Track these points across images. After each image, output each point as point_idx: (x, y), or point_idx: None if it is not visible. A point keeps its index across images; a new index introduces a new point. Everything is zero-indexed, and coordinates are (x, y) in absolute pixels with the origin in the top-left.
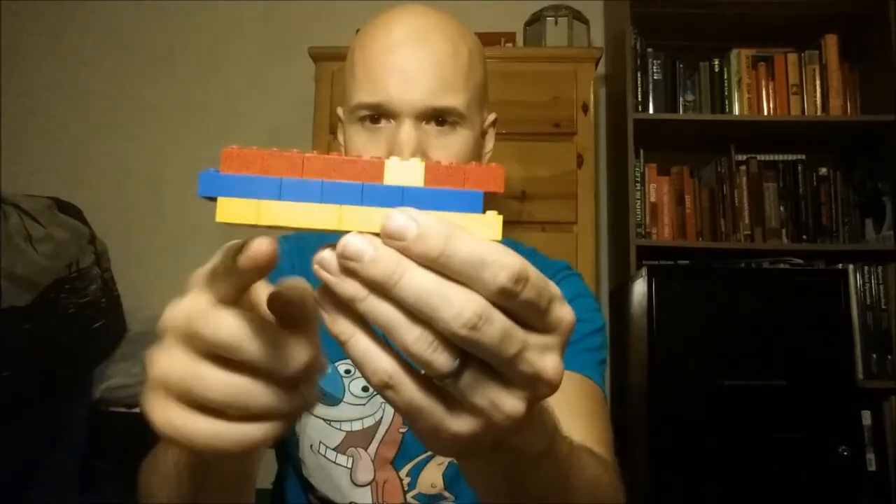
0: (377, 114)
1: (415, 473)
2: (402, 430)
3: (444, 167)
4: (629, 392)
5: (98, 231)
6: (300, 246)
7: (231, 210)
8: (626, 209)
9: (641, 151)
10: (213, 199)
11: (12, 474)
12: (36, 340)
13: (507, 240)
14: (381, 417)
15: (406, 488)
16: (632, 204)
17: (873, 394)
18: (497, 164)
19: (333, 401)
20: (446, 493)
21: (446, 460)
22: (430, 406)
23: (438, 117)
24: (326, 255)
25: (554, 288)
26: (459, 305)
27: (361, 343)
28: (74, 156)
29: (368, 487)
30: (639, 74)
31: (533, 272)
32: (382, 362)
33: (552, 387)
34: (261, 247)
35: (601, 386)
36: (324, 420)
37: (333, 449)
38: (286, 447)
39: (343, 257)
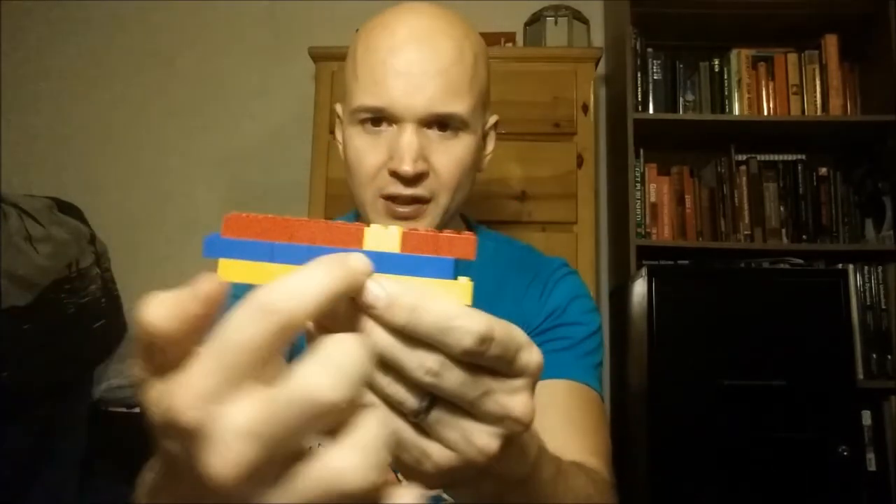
0: (378, 117)
1: None
2: None
3: (420, 235)
4: (629, 392)
5: (98, 231)
6: None
7: (230, 270)
8: (626, 209)
9: (641, 151)
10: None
11: (12, 474)
12: (36, 340)
13: (502, 236)
14: None
15: None
16: (632, 204)
17: (873, 394)
18: (470, 234)
19: None
20: (444, 494)
21: None
22: (412, 437)
23: (441, 123)
24: None
25: (521, 337)
26: (419, 359)
27: None
28: (75, 156)
29: None
30: (639, 74)
31: (498, 330)
32: (368, 397)
33: (523, 424)
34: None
35: (598, 389)
36: None
37: None
38: None
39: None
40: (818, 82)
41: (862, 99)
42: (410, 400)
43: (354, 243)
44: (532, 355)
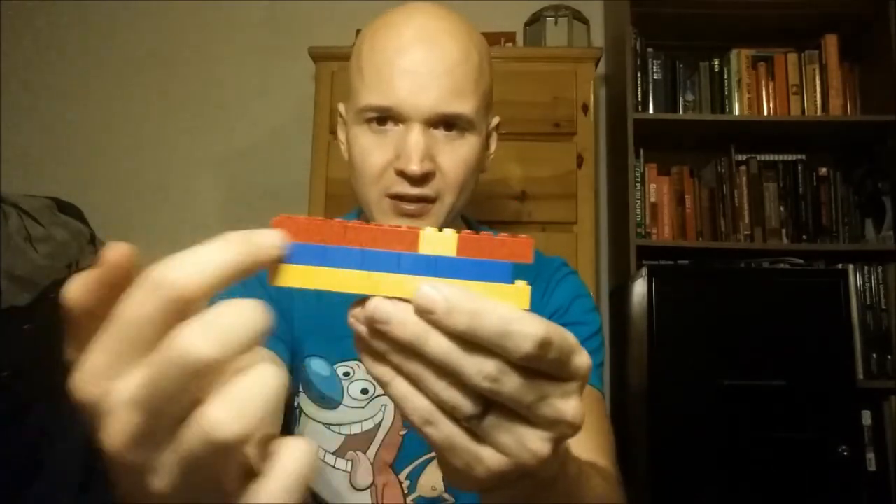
0: (385, 116)
1: (414, 476)
2: (402, 433)
3: (476, 238)
4: (629, 392)
5: (98, 231)
6: None
7: (281, 275)
8: (626, 209)
9: (641, 151)
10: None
11: (12, 474)
12: (36, 340)
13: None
14: (381, 420)
15: (406, 491)
16: (632, 204)
17: (873, 394)
18: (527, 237)
19: (332, 404)
20: (446, 496)
21: None
22: (465, 442)
23: (447, 123)
24: (359, 313)
25: (573, 340)
26: (478, 365)
27: (401, 386)
28: (75, 156)
29: (368, 491)
30: (639, 74)
31: (556, 334)
32: (421, 402)
33: (575, 427)
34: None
35: (600, 389)
36: (323, 424)
37: (333, 453)
38: None
39: (372, 320)
40: (818, 82)
41: (862, 99)
42: (466, 405)
43: (409, 247)
44: (583, 359)
